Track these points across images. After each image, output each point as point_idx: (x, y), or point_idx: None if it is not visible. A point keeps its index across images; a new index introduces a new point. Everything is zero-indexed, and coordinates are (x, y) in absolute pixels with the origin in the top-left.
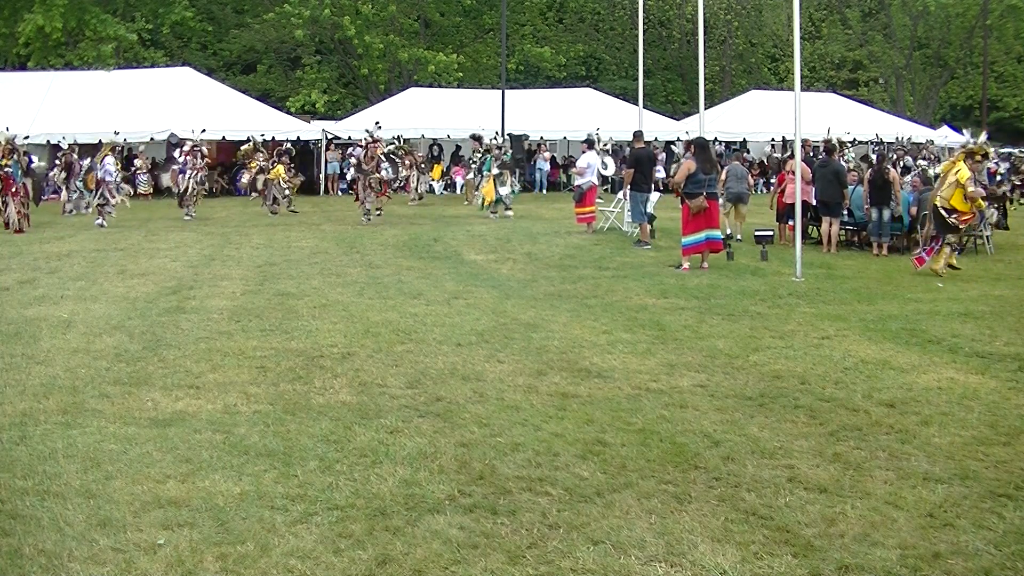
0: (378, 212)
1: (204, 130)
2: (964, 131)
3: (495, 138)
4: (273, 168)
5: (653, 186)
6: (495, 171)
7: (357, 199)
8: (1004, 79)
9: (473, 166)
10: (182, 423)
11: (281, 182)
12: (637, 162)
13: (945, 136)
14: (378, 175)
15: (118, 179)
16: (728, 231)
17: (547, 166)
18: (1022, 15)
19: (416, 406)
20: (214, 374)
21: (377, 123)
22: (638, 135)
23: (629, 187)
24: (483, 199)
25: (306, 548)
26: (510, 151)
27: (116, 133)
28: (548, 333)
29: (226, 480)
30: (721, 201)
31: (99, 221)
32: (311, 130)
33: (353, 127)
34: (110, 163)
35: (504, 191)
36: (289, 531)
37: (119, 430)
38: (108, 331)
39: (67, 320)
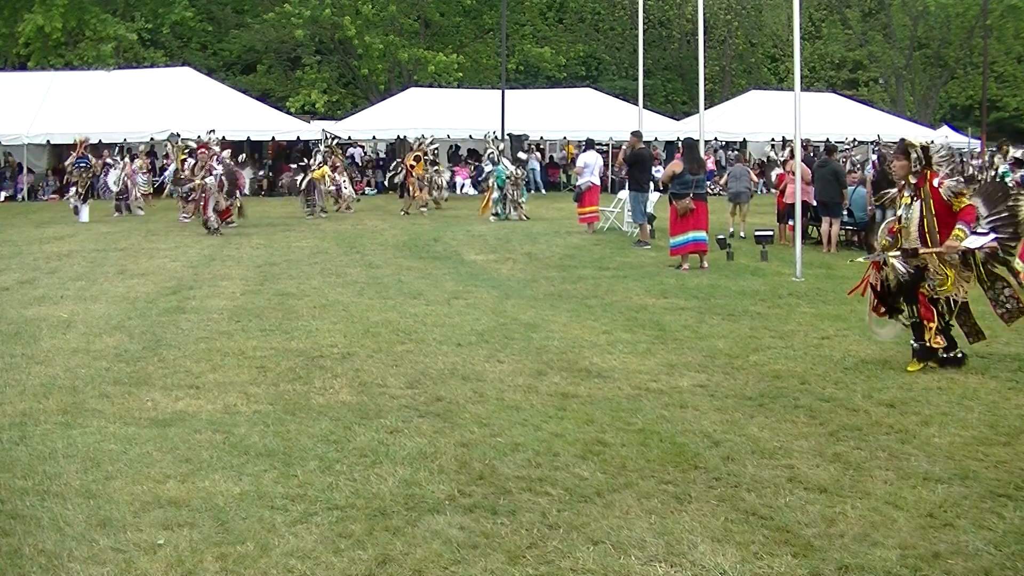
0: (422, 208)
1: (212, 130)
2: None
3: (519, 165)
4: (319, 168)
5: (652, 185)
6: (504, 190)
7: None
8: (1004, 79)
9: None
10: (182, 423)
11: (328, 182)
12: (639, 161)
13: (946, 136)
14: (202, 184)
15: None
16: (731, 230)
17: (538, 166)
18: (1022, 15)
19: (416, 406)
20: (214, 374)
21: (211, 131)
22: (637, 135)
23: (630, 187)
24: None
25: (306, 548)
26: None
27: (176, 135)
28: (548, 333)
29: (226, 480)
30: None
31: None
32: (311, 130)
33: (353, 127)
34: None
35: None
36: (289, 531)
37: (119, 430)
38: (108, 331)
39: (67, 320)
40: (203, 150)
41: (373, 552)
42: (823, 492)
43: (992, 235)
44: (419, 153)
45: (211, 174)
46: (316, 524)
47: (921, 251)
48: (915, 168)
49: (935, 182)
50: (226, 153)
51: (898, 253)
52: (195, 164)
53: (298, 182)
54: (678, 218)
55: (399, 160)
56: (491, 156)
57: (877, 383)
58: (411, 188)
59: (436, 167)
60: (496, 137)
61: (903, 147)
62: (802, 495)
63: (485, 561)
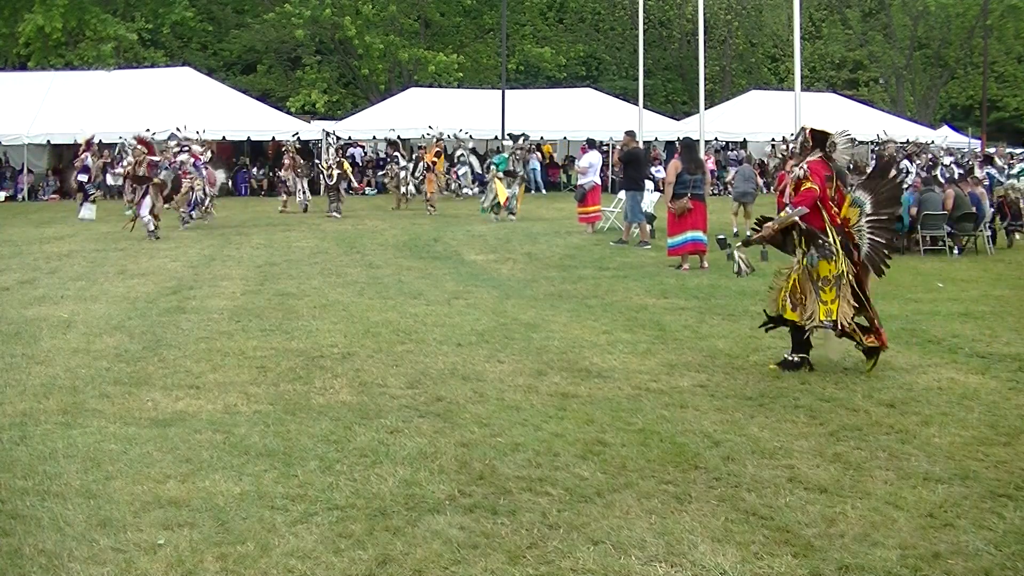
0: (431, 209)
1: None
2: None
3: (515, 139)
4: (340, 165)
5: (654, 186)
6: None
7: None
8: (1004, 79)
9: (400, 169)
10: (182, 423)
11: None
12: (634, 160)
13: (946, 136)
14: (158, 180)
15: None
16: (736, 231)
17: (539, 166)
18: (1022, 15)
19: (416, 406)
20: (214, 374)
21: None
22: (631, 134)
23: (626, 187)
24: (495, 201)
25: (306, 548)
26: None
27: (201, 131)
28: (548, 333)
29: (226, 480)
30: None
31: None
32: (311, 130)
33: (353, 127)
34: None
35: (508, 192)
36: (289, 531)
37: (119, 430)
38: (108, 331)
39: (67, 320)
40: (141, 146)
41: (373, 552)
42: (823, 492)
43: (800, 209)
44: (438, 148)
45: (158, 174)
46: (316, 524)
47: (753, 237)
48: (798, 150)
49: (808, 159)
50: (172, 152)
51: (740, 243)
52: (134, 161)
53: (325, 177)
54: (676, 218)
55: (417, 156)
56: (461, 158)
57: (877, 383)
58: (428, 185)
59: (404, 167)
60: (461, 136)
61: (800, 130)
62: (802, 495)
63: (485, 561)
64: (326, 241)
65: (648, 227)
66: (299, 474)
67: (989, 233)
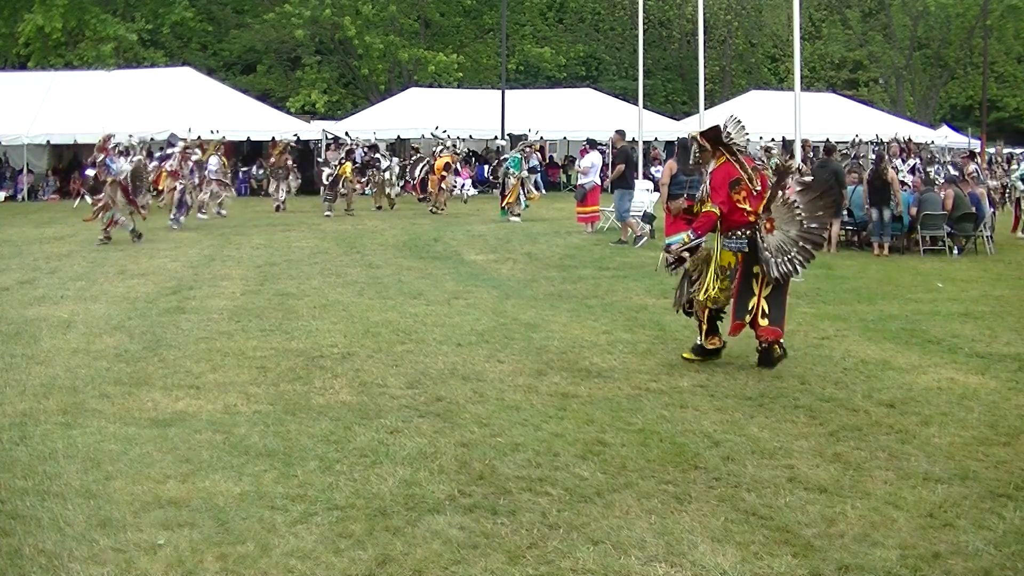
0: (441, 210)
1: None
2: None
3: (516, 140)
4: (340, 166)
5: (653, 186)
6: (522, 175)
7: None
8: (1004, 79)
9: (385, 171)
10: (182, 423)
11: (346, 181)
12: (625, 159)
13: (946, 136)
14: (112, 179)
15: (223, 175)
16: None
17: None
18: (1022, 15)
19: (416, 406)
20: (214, 374)
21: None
22: (620, 133)
23: (616, 185)
24: (513, 202)
25: (306, 548)
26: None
27: (214, 132)
28: (548, 333)
29: (226, 480)
30: None
31: (222, 211)
32: (311, 130)
33: (353, 127)
34: (214, 162)
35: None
36: (289, 531)
37: (119, 430)
38: (108, 331)
39: (67, 320)
40: (99, 152)
41: (373, 552)
42: (823, 492)
43: (698, 240)
44: (449, 160)
45: (109, 173)
46: (316, 524)
47: (668, 259)
48: (699, 158)
49: (711, 168)
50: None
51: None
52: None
53: (324, 176)
54: (671, 219)
55: (425, 161)
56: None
57: (877, 383)
58: (431, 187)
59: (388, 167)
60: (439, 135)
61: (690, 140)
62: (802, 495)
63: (485, 561)
64: (326, 241)
65: (647, 227)
66: (299, 474)
67: (988, 233)
